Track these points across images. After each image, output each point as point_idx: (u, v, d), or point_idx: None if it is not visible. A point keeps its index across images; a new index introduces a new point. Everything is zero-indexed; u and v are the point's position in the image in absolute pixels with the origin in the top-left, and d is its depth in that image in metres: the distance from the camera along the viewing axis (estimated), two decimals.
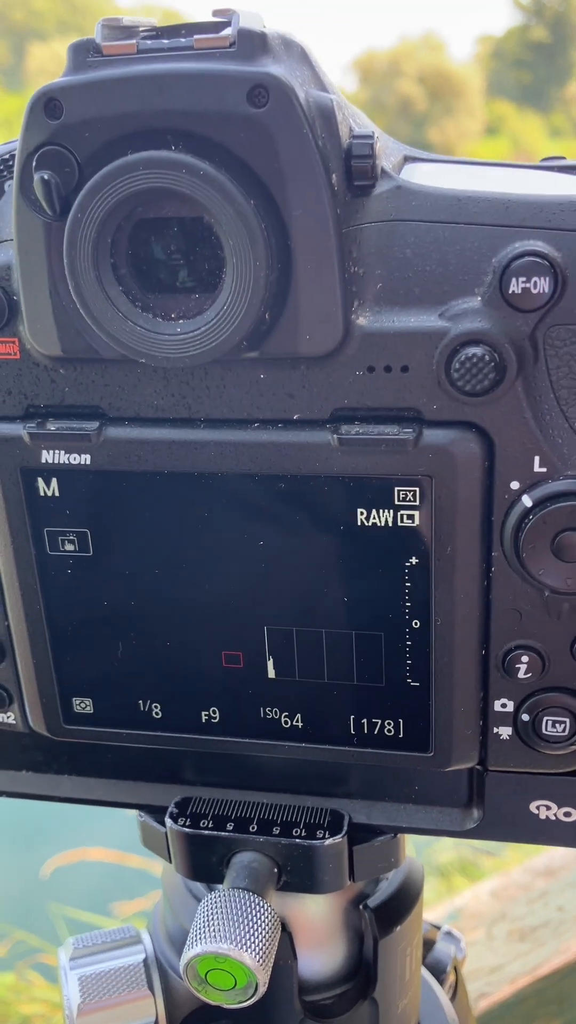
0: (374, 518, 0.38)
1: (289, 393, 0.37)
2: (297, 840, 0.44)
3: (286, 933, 0.47)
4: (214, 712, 0.42)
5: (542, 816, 0.43)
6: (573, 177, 0.40)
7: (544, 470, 0.36)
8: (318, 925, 0.50)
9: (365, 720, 0.41)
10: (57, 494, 0.40)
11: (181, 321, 0.35)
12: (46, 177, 0.34)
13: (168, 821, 0.46)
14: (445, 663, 0.39)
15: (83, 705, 0.44)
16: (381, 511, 0.37)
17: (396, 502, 0.37)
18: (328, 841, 0.44)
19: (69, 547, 0.41)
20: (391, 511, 0.37)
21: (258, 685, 0.41)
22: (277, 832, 0.44)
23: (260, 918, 0.43)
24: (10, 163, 0.39)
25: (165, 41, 0.34)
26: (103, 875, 1.77)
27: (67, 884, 1.73)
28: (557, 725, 0.39)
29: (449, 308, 0.35)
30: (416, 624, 0.39)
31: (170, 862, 0.47)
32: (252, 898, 0.43)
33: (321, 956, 0.50)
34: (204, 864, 0.46)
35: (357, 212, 0.35)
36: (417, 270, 0.35)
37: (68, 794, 0.49)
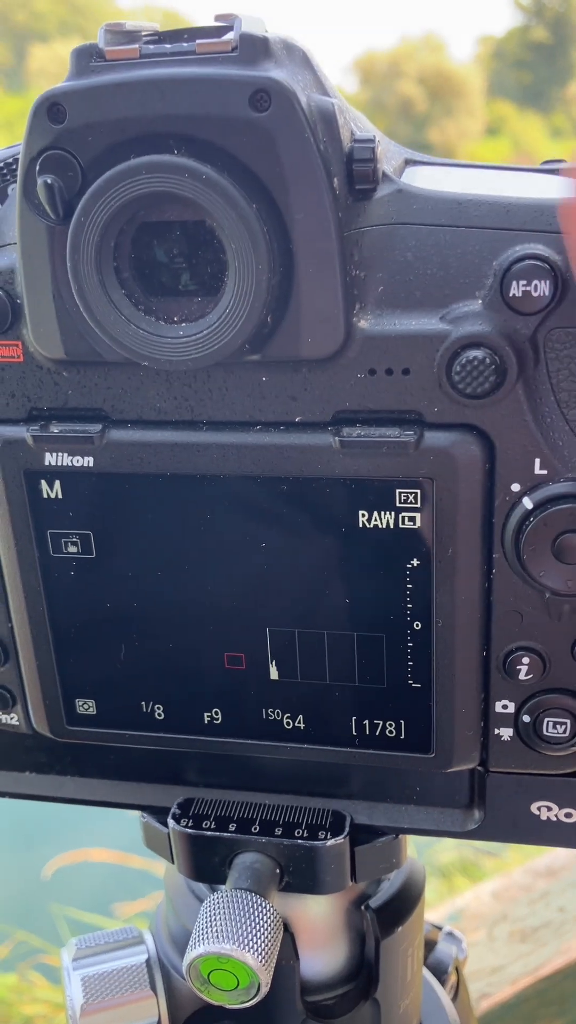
0: (375, 520, 0.38)
1: (291, 396, 0.37)
2: (299, 841, 0.44)
3: (288, 933, 0.47)
4: (216, 713, 0.43)
5: (543, 817, 0.43)
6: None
7: (545, 472, 0.36)
8: (320, 926, 0.50)
9: (367, 721, 0.41)
10: (60, 496, 0.40)
11: (184, 324, 0.35)
12: (49, 181, 0.34)
13: (171, 822, 0.46)
14: (446, 664, 0.39)
15: (86, 706, 0.44)
16: (382, 513, 0.38)
17: (397, 504, 0.37)
18: (330, 842, 0.44)
19: (72, 549, 0.41)
20: (392, 513, 0.37)
21: (260, 686, 0.42)
22: (279, 833, 0.44)
23: (262, 919, 0.43)
24: (13, 167, 0.39)
25: (167, 46, 0.34)
26: (105, 876, 1.77)
27: (69, 885, 1.74)
28: (558, 726, 0.39)
29: (450, 311, 0.35)
30: (417, 626, 0.39)
31: (172, 863, 0.47)
32: (254, 899, 0.43)
33: (323, 956, 0.50)
34: (206, 865, 0.46)
35: (358, 216, 0.35)
36: (418, 273, 0.35)
37: (71, 795, 0.49)
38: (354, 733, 0.42)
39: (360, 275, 0.35)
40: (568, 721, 0.39)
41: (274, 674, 0.41)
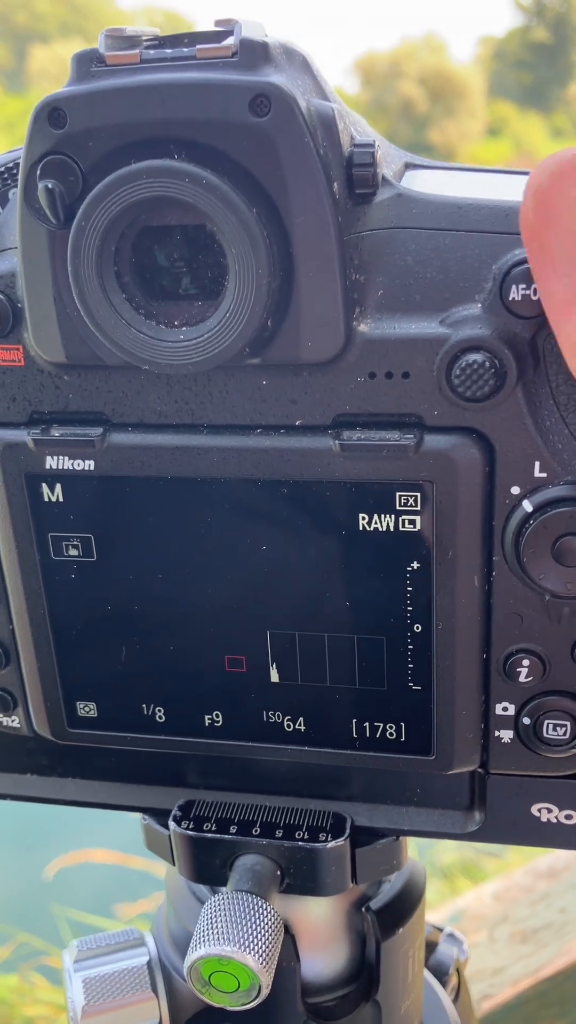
0: (376, 523, 0.38)
1: (291, 399, 0.37)
2: (300, 843, 0.44)
3: (289, 935, 0.48)
4: (217, 716, 0.43)
5: (543, 819, 0.43)
6: None
7: (544, 475, 0.36)
8: (321, 927, 0.50)
9: (367, 724, 0.41)
10: (61, 499, 0.40)
11: (184, 328, 0.35)
12: (50, 186, 0.34)
13: (171, 824, 0.46)
14: (447, 667, 0.39)
15: (87, 709, 0.44)
16: (383, 516, 0.38)
17: (398, 507, 0.37)
18: (330, 844, 0.44)
19: (73, 552, 0.41)
20: (393, 516, 0.38)
21: (261, 689, 0.42)
22: (280, 835, 0.45)
23: (263, 920, 0.43)
24: (14, 171, 0.40)
25: (168, 51, 0.34)
26: (106, 877, 1.78)
27: (70, 886, 1.74)
28: (558, 728, 0.39)
29: (450, 315, 0.35)
30: (418, 628, 0.39)
31: (174, 865, 0.47)
32: (255, 901, 0.43)
33: (324, 958, 0.50)
34: (207, 867, 0.46)
35: (358, 220, 0.35)
36: (418, 277, 0.35)
37: (72, 797, 0.49)
38: (354, 735, 0.42)
39: (360, 279, 0.35)
40: (568, 723, 0.39)
41: (275, 676, 0.41)
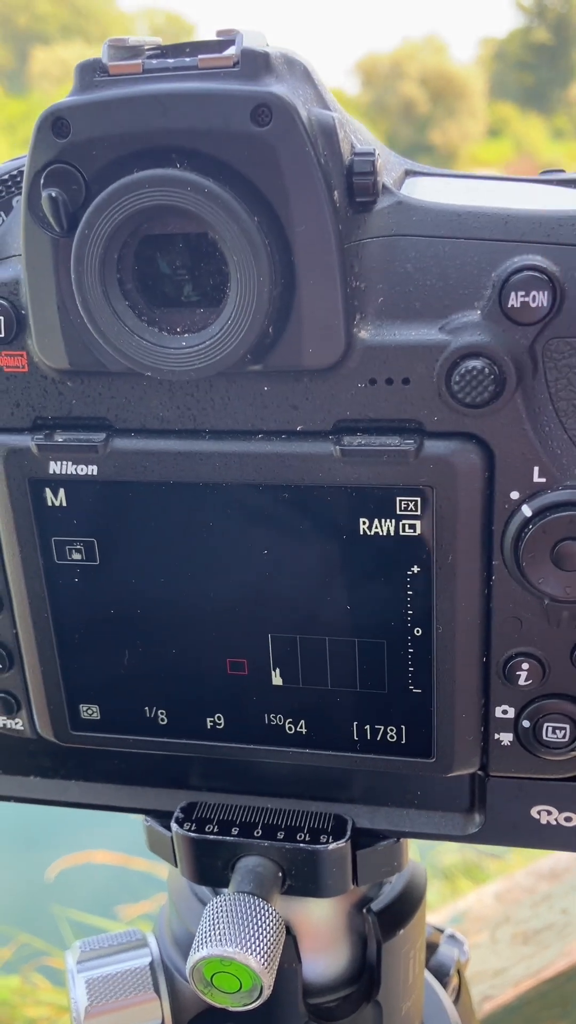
0: (376, 527, 0.38)
1: (292, 405, 0.37)
2: (301, 845, 0.44)
3: (290, 936, 0.48)
4: (219, 719, 0.43)
5: (543, 821, 0.43)
6: (571, 190, 0.40)
7: (543, 480, 0.36)
8: (322, 928, 0.50)
9: (368, 726, 0.42)
10: (64, 504, 0.40)
11: (186, 335, 0.36)
12: (54, 195, 0.34)
13: (174, 826, 0.46)
14: (447, 670, 0.39)
15: (90, 712, 0.44)
16: (383, 521, 0.38)
17: (398, 512, 0.38)
18: (332, 846, 0.44)
19: (76, 556, 0.41)
20: (393, 521, 0.38)
21: (262, 692, 0.42)
22: (281, 837, 0.45)
23: (265, 922, 0.43)
24: (18, 179, 0.40)
25: (170, 60, 0.34)
26: (108, 878, 1.78)
27: (72, 887, 1.74)
28: (557, 731, 0.40)
29: (449, 322, 0.35)
30: (418, 632, 0.39)
31: (176, 866, 0.48)
32: (257, 902, 0.44)
33: (325, 959, 0.51)
34: (209, 868, 0.46)
35: (359, 227, 0.35)
36: (418, 284, 0.36)
37: (75, 799, 0.50)
38: (355, 738, 0.42)
39: (360, 286, 0.35)
40: (567, 726, 0.40)
41: (276, 680, 0.42)
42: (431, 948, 0.64)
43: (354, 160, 0.35)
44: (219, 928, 0.43)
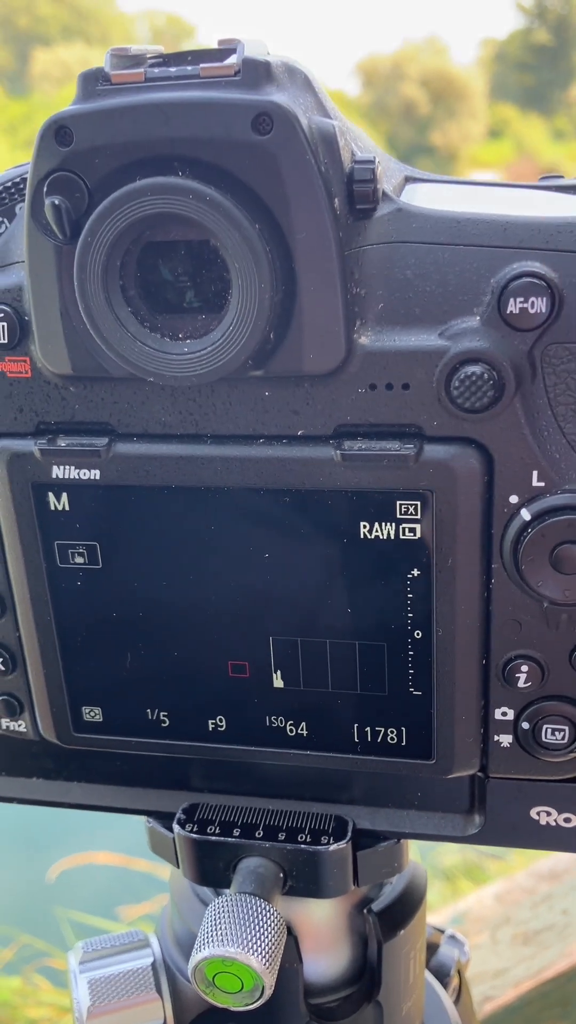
0: (377, 531, 0.38)
1: (293, 410, 0.38)
2: (302, 846, 0.45)
3: (292, 937, 0.48)
4: (220, 720, 0.43)
5: (542, 822, 0.44)
6: (570, 197, 0.41)
7: (542, 484, 0.37)
8: (323, 929, 0.50)
9: (368, 728, 0.42)
10: (67, 508, 0.41)
11: (188, 341, 0.36)
12: (57, 202, 0.35)
13: (176, 827, 0.46)
14: (446, 673, 0.40)
15: (92, 714, 0.44)
16: (384, 524, 0.38)
17: (398, 515, 0.38)
18: (332, 847, 0.45)
19: (79, 560, 0.41)
20: (393, 524, 0.38)
21: (263, 694, 0.42)
22: (283, 838, 0.45)
23: (266, 922, 0.43)
24: (21, 186, 0.40)
25: (172, 69, 0.35)
26: (109, 879, 1.78)
27: (73, 888, 1.74)
28: (556, 733, 0.40)
29: (449, 327, 0.36)
30: (418, 634, 0.39)
31: (178, 867, 0.48)
32: (258, 903, 0.44)
33: (326, 959, 0.51)
34: (211, 869, 0.46)
35: (359, 234, 0.36)
36: (417, 290, 0.36)
37: (78, 801, 0.50)
38: (356, 740, 0.42)
39: (361, 292, 0.36)
40: (566, 728, 0.40)
41: (277, 682, 0.42)
42: (432, 949, 0.64)
43: (354, 168, 0.35)
44: (221, 928, 0.43)
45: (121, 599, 0.42)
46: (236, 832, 0.46)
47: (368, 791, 0.46)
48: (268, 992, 0.43)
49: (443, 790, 0.45)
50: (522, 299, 0.34)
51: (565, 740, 0.40)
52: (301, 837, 0.45)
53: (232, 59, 0.34)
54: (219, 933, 0.43)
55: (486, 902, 1.17)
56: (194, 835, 0.46)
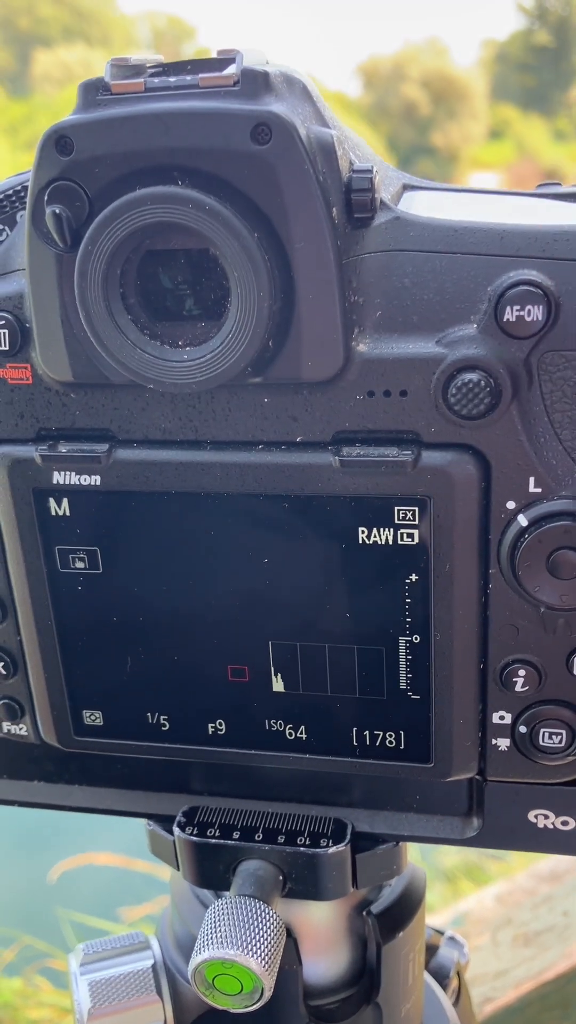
0: (375, 536, 0.39)
1: (292, 416, 0.38)
2: (301, 848, 0.45)
3: (291, 939, 0.48)
4: (220, 724, 0.44)
5: (540, 825, 0.44)
6: (567, 205, 0.41)
7: (539, 490, 0.37)
8: (322, 931, 0.51)
9: (367, 732, 0.42)
10: (68, 514, 0.41)
11: (188, 348, 0.36)
12: (57, 211, 0.35)
13: (176, 830, 0.47)
14: (444, 677, 0.40)
15: (93, 717, 0.45)
16: (382, 530, 0.38)
17: (396, 521, 0.38)
18: (332, 849, 0.45)
19: (79, 564, 0.42)
20: (391, 530, 0.38)
21: (263, 698, 0.42)
22: (282, 841, 0.45)
23: (266, 924, 0.44)
24: (22, 194, 0.40)
25: (171, 79, 0.35)
26: (110, 880, 1.78)
27: (74, 889, 1.74)
28: (554, 737, 0.40)
29: (446, 335, 0.36)
30: (416, 639, 0.40)
31: (178, 870, 0.48)
32: (258, 905, 0.44)
33: (325, 961, 0.51)
34: (211, 872, 0.47)
35: (357, 243, 0.36)
36: (415, 298, 0.36)
37: (78, 803, 0.50)
38: (355, 743, 0.42)
39: (359, 300, 0.36)
40: (564, 731, 0.40)
41: (277, 686, 0.42)
42: (431, 950, 0.65)
43: (352, 177, 0.35)
44: (220, 931, 0.43)
45: (121, 603, 0.42)
46: (236, 835, 0.46)
47: (367, 794, 0.46)
48: (268, 994, 0.43)
49: (441, 793, 0.45)
50: (519, 307, 0.35)
51: (562, 744, 0.40)
52: (300, 840, 0.45)
53: (231, 69, 0.34)
54: (219, 935, 0.43)
55: (487, 903, 1.17)
56: (194, 838, 0.46)
